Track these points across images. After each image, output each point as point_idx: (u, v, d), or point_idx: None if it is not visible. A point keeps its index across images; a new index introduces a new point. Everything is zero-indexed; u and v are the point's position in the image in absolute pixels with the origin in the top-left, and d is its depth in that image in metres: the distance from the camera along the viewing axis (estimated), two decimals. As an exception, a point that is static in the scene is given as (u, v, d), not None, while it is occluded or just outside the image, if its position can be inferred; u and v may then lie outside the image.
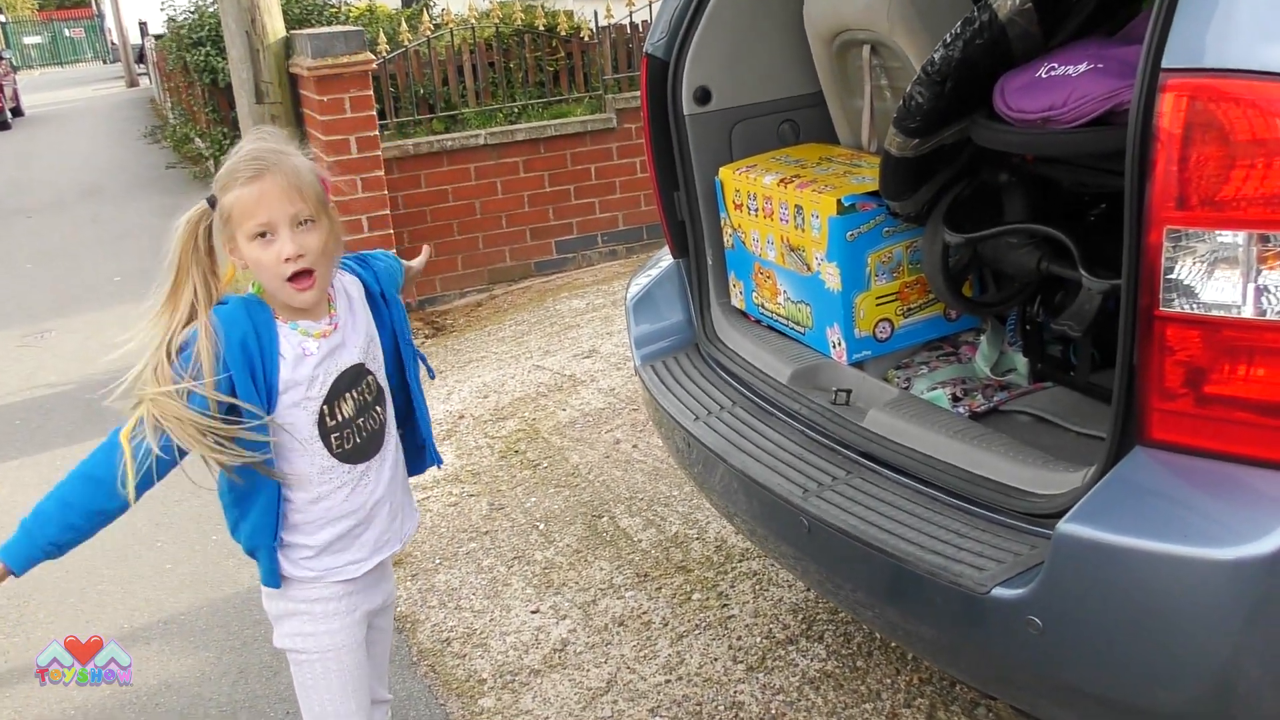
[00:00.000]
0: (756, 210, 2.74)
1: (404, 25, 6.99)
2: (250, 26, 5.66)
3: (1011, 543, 1.87)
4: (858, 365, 2.61)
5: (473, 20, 7.32)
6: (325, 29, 5.78)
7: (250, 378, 1.89)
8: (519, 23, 7.14)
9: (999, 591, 1.77)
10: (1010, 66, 2.07)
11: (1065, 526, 1.67)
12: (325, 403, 1.97)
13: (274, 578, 2.06)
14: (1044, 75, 1.96)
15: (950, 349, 2.67)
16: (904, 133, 2.13)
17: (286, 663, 3.23)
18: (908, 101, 2.07)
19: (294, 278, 1.88)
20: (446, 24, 6.97)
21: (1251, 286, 1.52)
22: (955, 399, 2.41)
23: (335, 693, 2.13)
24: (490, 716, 2.95)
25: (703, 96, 2.94)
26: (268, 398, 1.91)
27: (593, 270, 6.96)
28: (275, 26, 5.75)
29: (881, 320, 2.59)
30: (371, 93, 5.57)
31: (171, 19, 10.55)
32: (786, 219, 2.63)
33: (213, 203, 1.92)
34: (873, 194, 2.49)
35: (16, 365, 6.34)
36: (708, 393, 2.74)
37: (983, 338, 2.60)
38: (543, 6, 8.35)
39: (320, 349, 1.96)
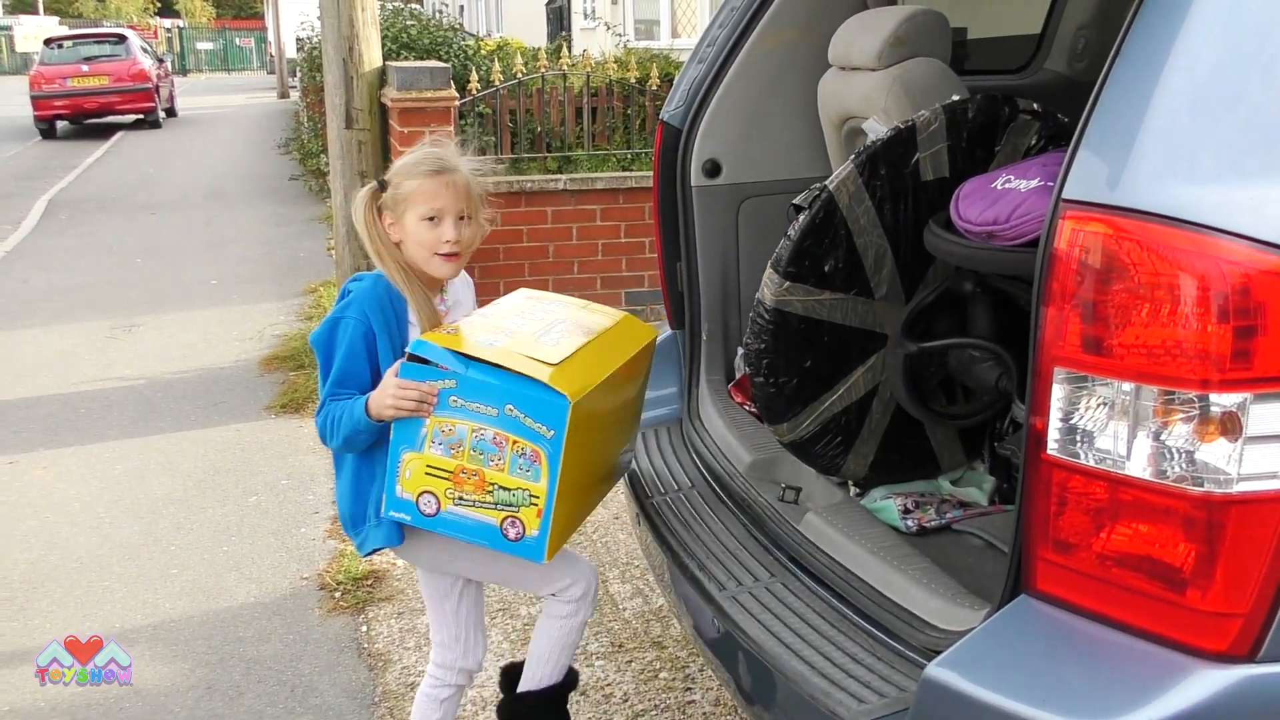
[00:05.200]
0: None
1: (517, 61, 7.13)
2: (347, 54, 5.81)
3: (902, 676, 1.77)
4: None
5: (587, 68, 7.44)
6: (413, 63, 5.91)
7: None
8: (634, 76, 7.24)
9: (870, 728, 1.67)
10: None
11: (932, 670, 1.57)
12: None
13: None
14: (999, 186, 1.87)
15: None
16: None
17: (252, 684, 3.29)
18: None
19: (445, 255, 2.27)
20: (577, 65, 7.13)
21: (1141, 441, 1.41)
22: (906, 510, 2.30)
23: None
24: (431, 770, 2.90)
25: (712, 169, 2.90)
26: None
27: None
28: (371, 56, 5.89)
29: (427, 492, 2.16)
30: (451, 129, 5.66)
31: (302, 39, 10.96)
32: None
33: (383, 185, 2.30)
34: (467, 358, 2.08)
35: (99, 355, 6.58)
36: (673, 471, 2.68)
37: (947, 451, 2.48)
38: (666, 57, 8.46)
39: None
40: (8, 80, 35.33)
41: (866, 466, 2.41)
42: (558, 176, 6.58)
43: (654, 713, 3.07)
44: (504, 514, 2.13)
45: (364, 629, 3.57)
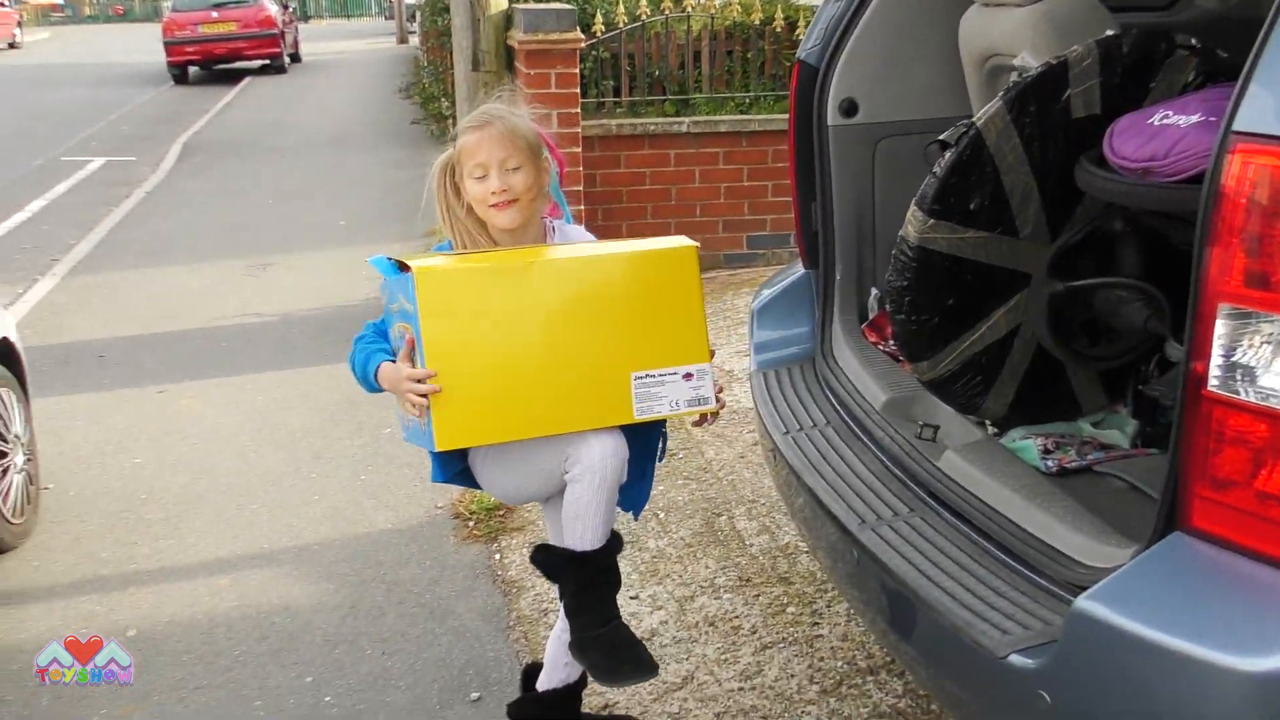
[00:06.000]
0: None
1: (642, 3, 7.09)
2: (475, -3, 5.89)
3: (1046, 610, 1.78)
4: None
5: (711, 10, 7.37)
6: (539, 5, 5.94)
7: None
8: (758, 18, 7.16)
9: (1015, 659, 1.69)
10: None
11: (1082, 603, 1.58)
12: None
13: None
14: (1155, 122, 1.84)
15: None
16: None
17: (393, 604, 3.43)
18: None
19: (497, 204, 2.27)
20: (694, 7, 7.08)
21: (1307, 379, 1.39)
22: (1046, 451, 2.29)
23: None
24: (564, 692, 3.02)
25: (849, 109, 2.88)
26: None
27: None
28: (498, -1, 5.95)
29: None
30: (577, 71, 5.70)
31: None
32: None
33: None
34: (401, 268, 2.13)
35: (237, 292, 6.85)
36: (807, 408, 2.70)
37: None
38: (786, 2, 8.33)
39: None
40: (141, 27, 36.44)
41: (1006, 406, 2.41)
42: (680, 119, 6.58)
43: (781, 645, 3.12)
44: None
45: (497, 557, 3.70)
